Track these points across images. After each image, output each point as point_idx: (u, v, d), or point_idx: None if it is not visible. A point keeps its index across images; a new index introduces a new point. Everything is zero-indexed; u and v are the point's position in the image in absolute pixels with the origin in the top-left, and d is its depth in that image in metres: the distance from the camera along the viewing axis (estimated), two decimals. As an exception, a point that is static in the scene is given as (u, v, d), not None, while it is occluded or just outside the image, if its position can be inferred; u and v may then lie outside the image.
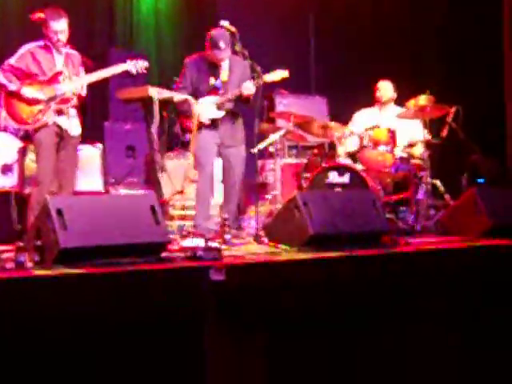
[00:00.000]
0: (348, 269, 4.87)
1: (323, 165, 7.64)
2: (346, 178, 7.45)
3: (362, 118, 8.39)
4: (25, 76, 6.43)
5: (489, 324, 5.24)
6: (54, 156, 6.47)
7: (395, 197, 7.60)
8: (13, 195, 7.52)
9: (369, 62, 10.18)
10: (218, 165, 7.18)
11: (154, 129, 6.05)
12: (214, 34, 6.77)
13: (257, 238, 5.89)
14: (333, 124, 7.97)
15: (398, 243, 5.58)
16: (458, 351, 5.16)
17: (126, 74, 6.68)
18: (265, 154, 8.53)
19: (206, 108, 6.90)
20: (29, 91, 6.40)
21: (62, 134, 6.49)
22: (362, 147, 7.75)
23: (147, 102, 6.15)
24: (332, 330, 4.68)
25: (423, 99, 7.64)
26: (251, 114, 6.95)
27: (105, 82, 7.03)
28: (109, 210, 4.62)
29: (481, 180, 8.90)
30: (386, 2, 10.28)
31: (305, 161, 8.17)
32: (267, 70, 6.92)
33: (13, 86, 6.39)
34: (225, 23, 6.72)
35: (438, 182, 7.62)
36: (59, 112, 6.45)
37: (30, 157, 7.37)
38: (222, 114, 6.93)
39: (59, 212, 4.37)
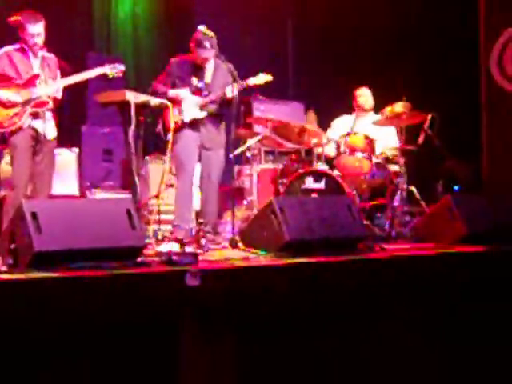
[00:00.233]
0: (324, 275, 4.88)
1: (300, 170, 7.65)
2: (322, 184, 7.47)
3: (340, 124, 8.42)
4: (1, 79, 6.41)
5: (464, 330, 5.26)
6: (30, 159, 6.44)
7: (371, 203, 7.62)
8: (-13, 198, 7.48)
9: (346, 67, 10.21)
10: (196, 170, 7.18)
11: (131, 133, 6.04)
12: (200, 35, 6.78)
13: (232, 243, 5.89)
14: (310, 127, 7.97)
15: (374, 249, 5.60)
16: (435, 358, 5.18)
17: (104, 77, 6.67)
18: (241, 159, 8.54)
19: (188, 107, 6.92)
20: (5, 94, 6.37)
21: (37, 138, 6.46)
22: (339, 153, 7.77)
23: (124, 106, 6.14)
24: (307, 336, 4.69)
25: (400, 106, 7.67)
26: (228, 118, 6.96)
27: (82, 85, 7.02)
28: (84, 214, 4.59)
29: (456, 187, 8.95)
30: (364, 8, 10.30)
31: (281, 166, 8.18)
32: (245, 75, 6.93)
33: (-12, 89, 6.37)
34: (202, 28, 6.74)
35: (413, 189, 7.65)
36: (35, 115, 6.43)
37: (6, 160, 7.34)
38: (203, 114, 6.96)
39: (34, 215, 4.34)
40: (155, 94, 6.84)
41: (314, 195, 7.34)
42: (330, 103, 9.36)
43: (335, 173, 7.64)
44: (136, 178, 6.08)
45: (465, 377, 5.22)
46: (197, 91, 7.01)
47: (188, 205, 6.94)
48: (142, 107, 6.31)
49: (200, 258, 4.93)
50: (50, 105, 6.49)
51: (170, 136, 6.59)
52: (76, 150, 8.34)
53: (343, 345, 4.82)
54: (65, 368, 3.95)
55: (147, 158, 8.60)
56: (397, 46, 10.27)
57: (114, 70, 6.60)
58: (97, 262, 4.40)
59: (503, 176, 9.12)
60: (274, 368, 4.58)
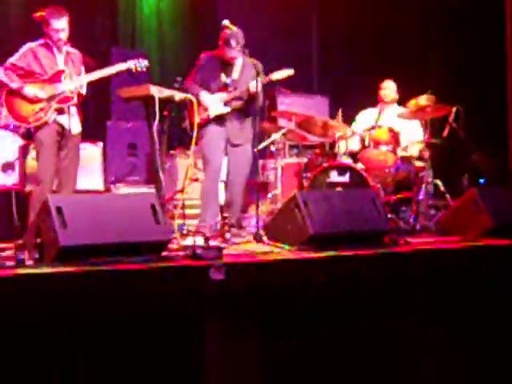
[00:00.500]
0: (348, 268, 4.87)
1: (324, 164, 7.64)
2: (346, 178, 7.45)
3: (364, 118, 8.39)
4: (26, 74, 6.44)
5: (489, 324, 5.23)
6: (55, 155, 6.47)
7: (396, 196, 7.59)
8: (14, 193, 7.53)
9: (371, 61, 10.16)
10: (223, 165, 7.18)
11: (155, 127, 6.05)
12: (227, 33, 6.79)
13: (257, 237, 5.89)
14: (334, 122, 7.95)
15: (398, 243, 5.58)
16: (460, 351, 5.16)
17: (128, 73, 6.68)
18: (266, 153, 8.54)
19: (213, 104, 6.93)
20: (30, 90, 6.41)
21: (63, 133, 6.50)
22: (363, 147, 7.75)
23: (148, 100, 6.15)
24: (331, 330, 4.69)
25: (424, 99, 7.63)
26: (253, 113, 6.96)
27: (106, 80, 7.04)
28: (109, 209, 4.62)
29: (482, 180, 8.89)
30: (388, 2, 10.26)
31: (305, 160, 8.17)
32: (269, 69, 6.94)
33: (14, 85, 6.40)
34: (226, 22, 6.75)
35: (439, 182, 7.60)
36: (60, 111, 6.46)
37: (32, 155, 7.38)
38: (227, 109, 6.96)
39: (59, 210, 4.37)
40: (187, 91, 6.83)
41: (338, 189, 7.33)
42: (355, 96, 9.33)
43: (359, 166, 7.63)
44: (160, 173, 6.08)
45: (488, 371, 5.19)
46: (223, 87, 7.02)
47: (214, 200, 6.94)
48: (167, 102, 6.31)
49: (224, 252, 4.94)
50: (75, 100, 6.52)
51: (194, 131, 6.59)
52: (101, 144, 8.36)
53: (367, 339, 4.81)
54: (90, 362, 3.97)
55: (172, 152, 8.62)
56: (422, 39, 10.23)
57: (137, 65, 6.62)
58: (121, 256, 4.42)
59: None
60: (299, 363, 4.58)
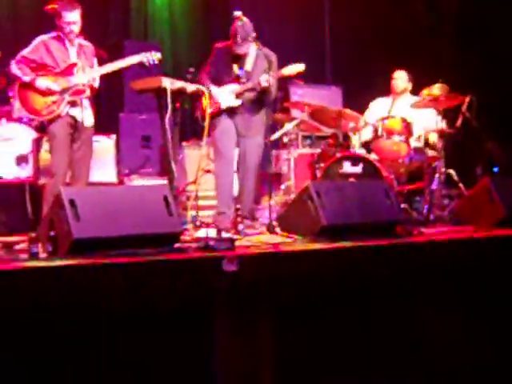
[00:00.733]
0: (361, 259, 4.87)
1: (337, 155, 7.63)
2: (359, 168, 7.45)
3: (377, 108, 8.38)
4: (39, 67, 6.45)
5: (503, 312, 5.23)
6: (68, 147, 6.48)
7: (409, 187, 7.58)
8: (28, 186, 7.56)
9: (384, 51, 10.14)
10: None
11: (167, 119, 6.06)
12: (236, 26, 6.77)
13: (270, 229, 5.89)
14: (347, 112, 7.93)
15: (412, 233, 5.57)
16: (473, 342, 5.16)
17: (140, 65, 6.69)
18: (279, 144, 8.54)
19: (223, 96, 6.91)
20: (43, 82, 6.42)
21: (75, 125, 6.50)
22: (376, 137, 7.74)
23: (160, 92, 6.16)
24: (345, 321, 4.69)
25: (437, 88, 7.61)
26: (265, 104, 6.96)
27: (119, 73, 7.04)
28: (122, 201, 4.62)
29: (496, 169, 8.86)
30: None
31: (319, 151, 8.17)
32: (283, 60, 6.92)
33: (27, 78, 6.41)
34: (238, 13, 6.74)
35: (452, 172, 7.59)
36: (73, 103, 6.47)
37: (45, 148, 7.39)
38: (238, 102, 6.94)
39: (72, 203, 4.38)
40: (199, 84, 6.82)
41: (351, 179, 7.32)
42: (369, 86, 9.31)
43: (372, 157, 7.62)
44: (173, 164, 6.10)
45: (500, 360, 5.19)
46: (236, 79, 7.01)
47: (228, 190, 6.93)
48: (179, 93, 6.32)
49: (237, 243, 4.94)
50: (87, 93, 6.52)
51: (206, 122, 6.58)
52: (114, 137, 8.37)
53: (380, 330, 4.81)
54: (100, 354, 3.98)
55: (185, 144, 8.63)
56: (434, 29, 10.19)
57: (150, 58, 6.61)
58: (134, 248, 4.43)
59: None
60: (312, 354, 4.58)
